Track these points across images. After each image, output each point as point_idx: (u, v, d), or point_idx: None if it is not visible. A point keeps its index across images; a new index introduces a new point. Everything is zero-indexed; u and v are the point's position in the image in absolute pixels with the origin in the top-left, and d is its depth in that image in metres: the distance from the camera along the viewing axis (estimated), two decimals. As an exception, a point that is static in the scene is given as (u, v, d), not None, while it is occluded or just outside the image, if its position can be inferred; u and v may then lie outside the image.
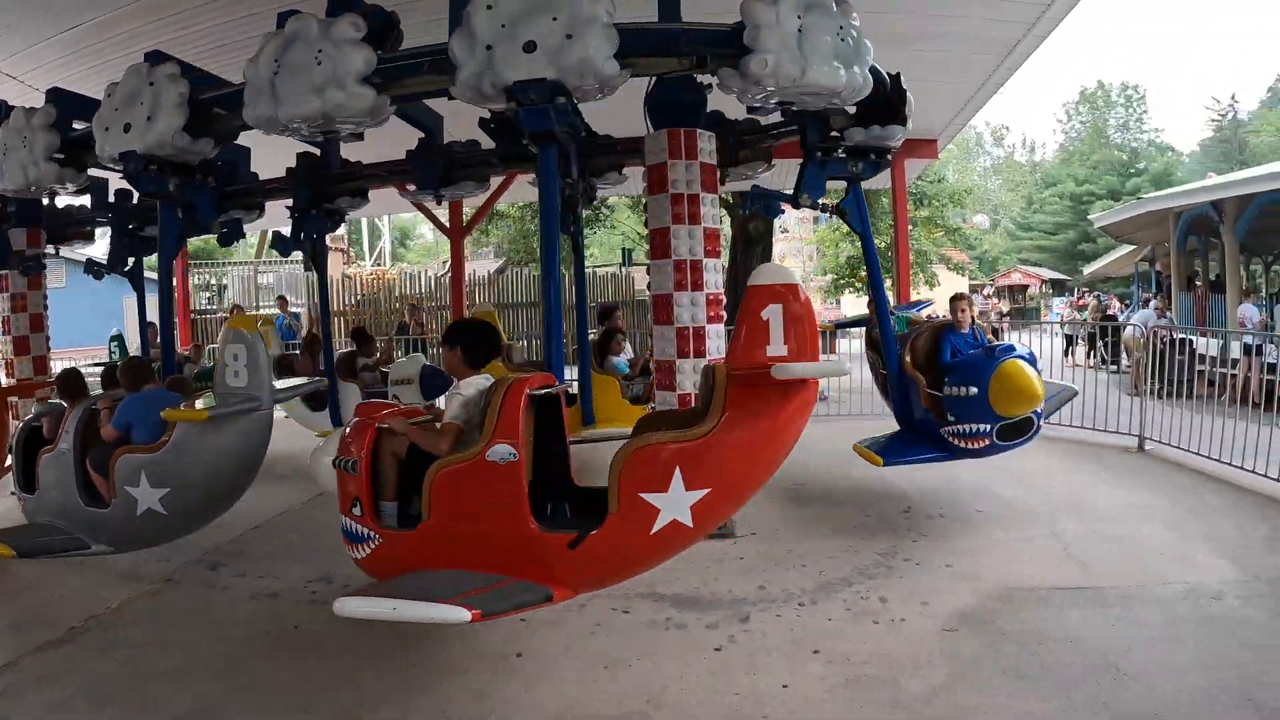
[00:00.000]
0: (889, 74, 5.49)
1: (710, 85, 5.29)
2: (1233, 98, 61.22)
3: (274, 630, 4.50)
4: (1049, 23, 7.44)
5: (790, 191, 6.04)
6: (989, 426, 5.67)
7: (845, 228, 22.19)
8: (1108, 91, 54.66)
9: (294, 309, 16.74)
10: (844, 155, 5.88)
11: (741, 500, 3.84)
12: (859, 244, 22.84)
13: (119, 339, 11.25)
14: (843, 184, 6.23)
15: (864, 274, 21.31)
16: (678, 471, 3.36)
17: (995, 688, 3.65)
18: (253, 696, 3.76)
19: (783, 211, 5.77)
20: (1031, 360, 5.72)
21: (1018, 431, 5.75)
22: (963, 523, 6.01)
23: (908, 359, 6.16)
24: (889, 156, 5.94)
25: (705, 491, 3.40)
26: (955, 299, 6.48)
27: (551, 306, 4.55)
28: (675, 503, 3.38)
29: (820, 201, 6.00)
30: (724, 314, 5.99)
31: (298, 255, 9.50)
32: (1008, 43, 7.89)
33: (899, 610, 4.49)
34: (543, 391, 3.71)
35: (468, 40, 4.34)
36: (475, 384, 3.76)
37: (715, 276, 5.90)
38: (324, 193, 7.49)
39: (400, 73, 4.72)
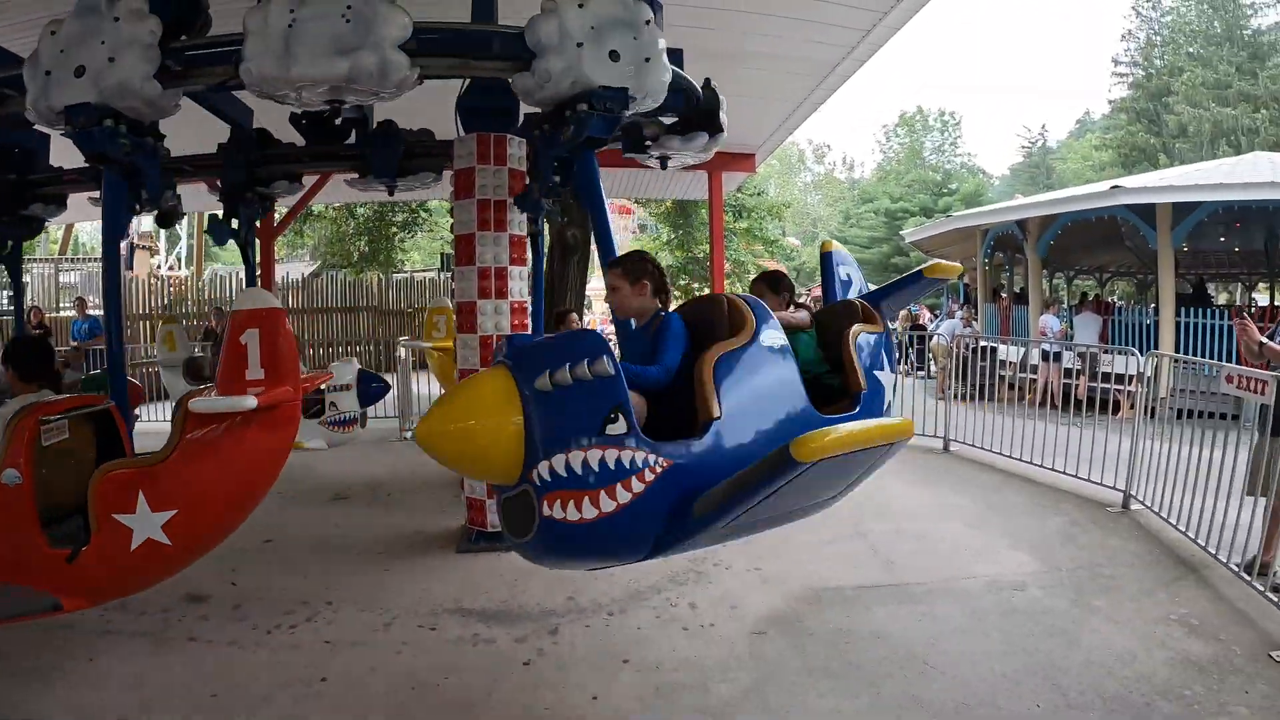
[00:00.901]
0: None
1: None
2: (1043, 127, 67.02)
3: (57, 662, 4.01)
4: (869, 48, 7.69)
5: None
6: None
7: (662, 238, 22.37)
8: (925, 116, 58.30)
9: (93, 311, 15.32)
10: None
11: (223, 519, 3.82)
12: (678, 252, 22.84)
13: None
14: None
15: (683, 283, 21.83)
16: (141, 494, 3.48)
17: (804, 687, 3.69)
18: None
19: (545, 207, 5.52)
20: None
21: None
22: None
23: None
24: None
25: (173, 512, 3.51)
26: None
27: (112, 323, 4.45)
28: (145, 522, 3.49)
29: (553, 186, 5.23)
30: (529, 323, 5.89)
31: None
32: (827, 65, 8.10)
33: (708, 616, 4.49)
34: (80, 411, 3.88)
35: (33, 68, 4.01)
36: (12, 406, 3.72)
37: (520, 284, 5.79)
38: (260, 177, 6.80)
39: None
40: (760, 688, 3.68)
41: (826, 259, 4.61)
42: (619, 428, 2.71)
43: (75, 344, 11.38)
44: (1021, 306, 15.50)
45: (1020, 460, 7.60)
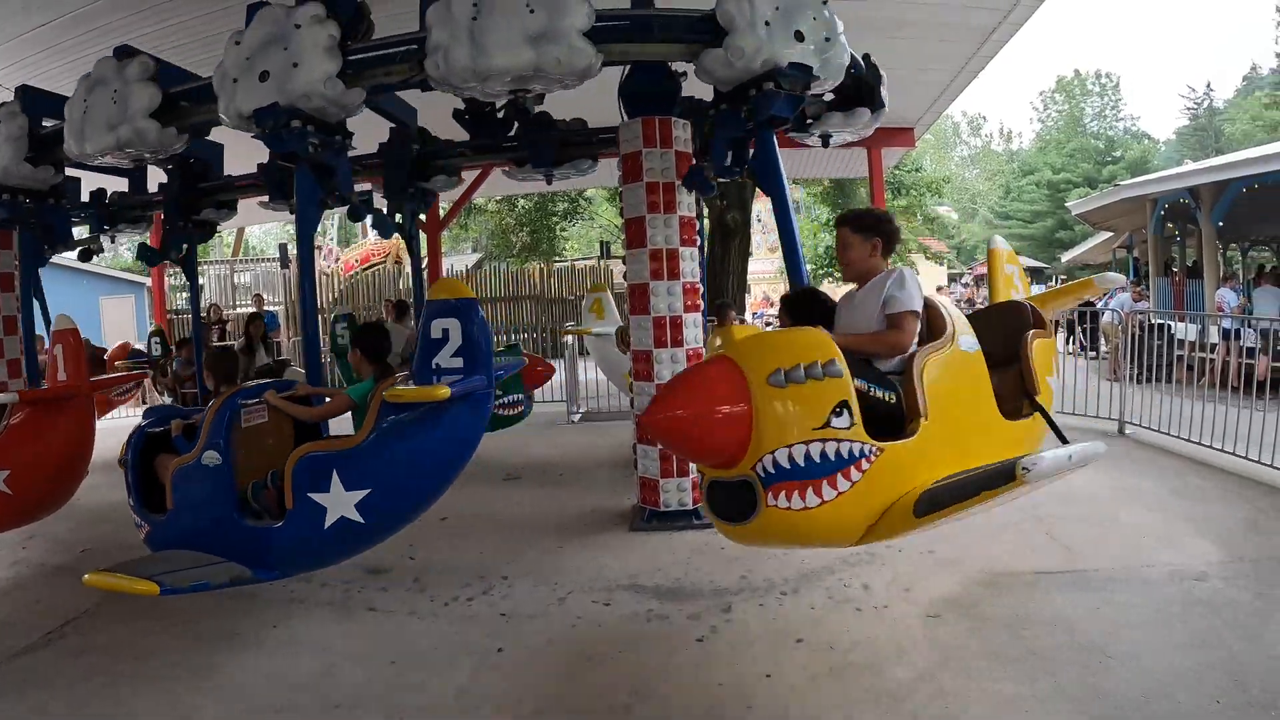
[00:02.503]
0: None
1: (685, 73, 5.22)
2: (1208, 86, 62.09)
3: (249, 629, 4.44)
4: (1025, 10, 7.43)
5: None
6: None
7: (824, 217, 22.03)
8: (1084, 80, 55.01)
9: (269, 307, 16.55)
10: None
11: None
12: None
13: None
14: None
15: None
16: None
17: (980, 672, 3.63)
18: (221, 698, 3.71)
19: (712, 188, 5.60)
20: None
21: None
22: (946, 509, 5.97)
23: None
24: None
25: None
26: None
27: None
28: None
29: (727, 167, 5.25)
30: (701, 303, 5.97)
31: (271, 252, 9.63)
32: (984, 30, 7.87)
33: (881, 597, 4.47)
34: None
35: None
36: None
37: (692, 265, 5.87)
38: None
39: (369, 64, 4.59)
40: (936, 671, 3.65)
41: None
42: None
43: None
44: (1196, 281, 14.48)
45: (1201, 444, 7.16)
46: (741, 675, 3.71)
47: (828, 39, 4.25)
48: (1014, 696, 3.43)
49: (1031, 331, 3.77)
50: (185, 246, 7.56)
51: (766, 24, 4.10)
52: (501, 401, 7.52)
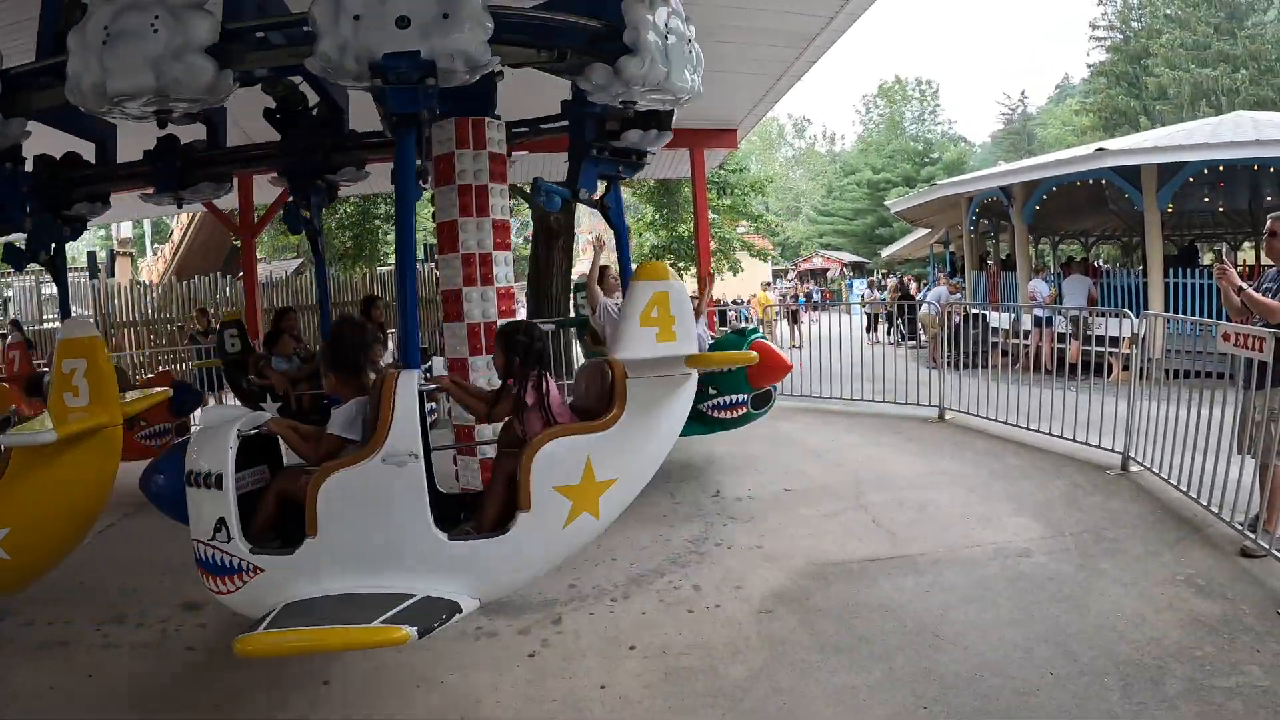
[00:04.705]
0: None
1: (502, 73, 4.96)
2: (1022, 93, 67.10)
3: (63, 683, 3.87)
4: (847, 18, 7.62)
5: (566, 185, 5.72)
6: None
7: (646, 218, 22.39)
8: (904, 86, 58.28)
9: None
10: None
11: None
12: (662, 233, 22.91)
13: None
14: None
15: (669, 263, 21.77)
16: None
17: (815, 665, 3.64)
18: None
19: (559, 205, 5.56)
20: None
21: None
22: (771, 503, 6.05)
23: None
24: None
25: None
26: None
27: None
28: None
29: (591, 196, 5.87)
30: (516, 308, 5.80)
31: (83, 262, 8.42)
32: (806, 36, 8.03)
33: (713, 597, 4.43)
34: None
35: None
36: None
37: (506, 270, 5.72)
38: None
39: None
40: (771, 668, 3.63)
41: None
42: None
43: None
44: (1009, 273, 15.48)
45: (1017, 426, 7.58)
46: (575, 689, 3.57)
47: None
48: (848, 686, 3.46)
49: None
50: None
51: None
52: (714, 403, 6.39)
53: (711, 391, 6.30)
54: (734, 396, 6.40)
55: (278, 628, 2.87)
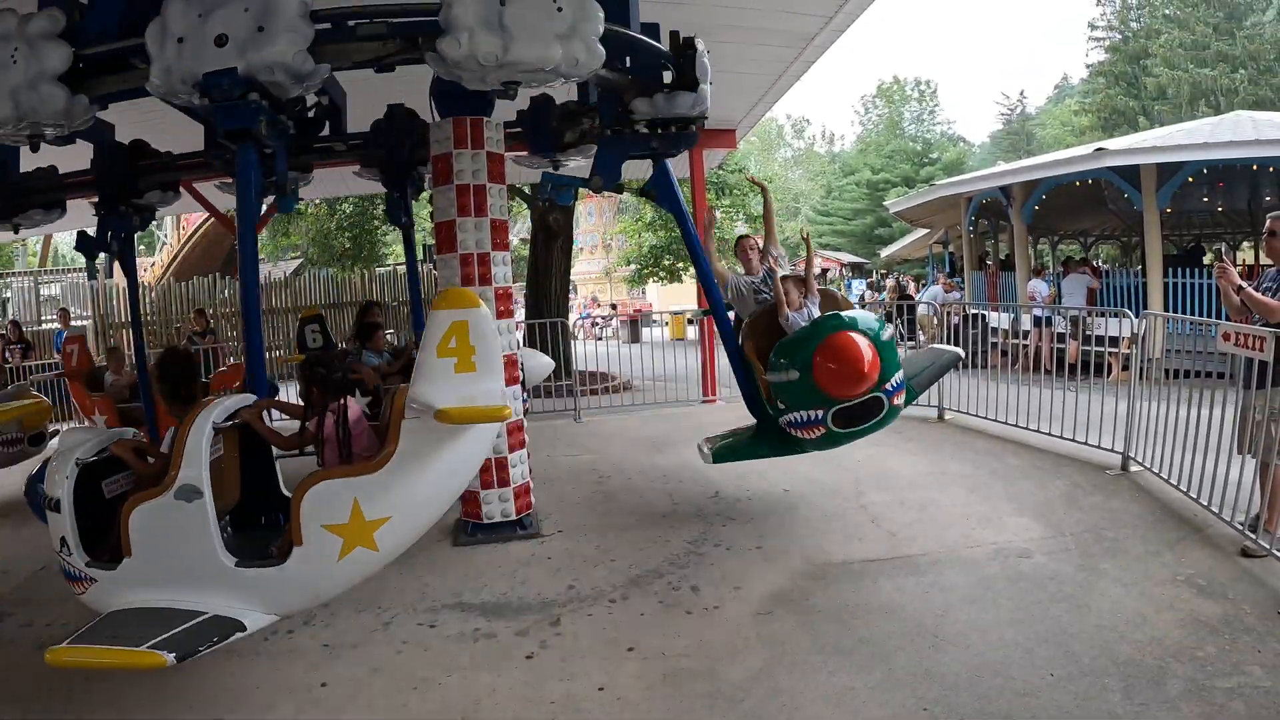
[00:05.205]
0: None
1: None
2: (1021, 93, 67.15)
3: (66, 682, 3.83)
4: (846, 17, 7.60)
5: (586, 176, 5.43)
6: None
7: (648, 217, 22.28)
8: (903, 86, 58.19)
9: (78, 322, 15.08)
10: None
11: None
12: (660, 233, 22.69)
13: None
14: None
15: (668, 263, 21.71)
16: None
17: (814, 666, 3.63)
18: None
19: (576, 198, 5.48)
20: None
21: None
22: (771, 503, 6.04)
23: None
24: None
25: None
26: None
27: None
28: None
29: (620, 184, 5.46)
30: (514, 309, 5.74)
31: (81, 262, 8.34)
32: (805, 36, 8.01)
33: (712, 598, 4.42)
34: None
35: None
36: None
37: (504, 270, 5.69)
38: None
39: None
40: (770, 669, 3.61)
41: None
42: None
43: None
44: (1008, 273, 15.48)
45: (1016, 426, 7.56)
46: (574, 691, 3.56)
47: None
48: (848, 688, 3.44)
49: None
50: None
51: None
52: (788, 419, 5.04)
53: (781, 406, 5.03)
54: (805, 413, 4.87)
55: (87, 639, 3.14)
